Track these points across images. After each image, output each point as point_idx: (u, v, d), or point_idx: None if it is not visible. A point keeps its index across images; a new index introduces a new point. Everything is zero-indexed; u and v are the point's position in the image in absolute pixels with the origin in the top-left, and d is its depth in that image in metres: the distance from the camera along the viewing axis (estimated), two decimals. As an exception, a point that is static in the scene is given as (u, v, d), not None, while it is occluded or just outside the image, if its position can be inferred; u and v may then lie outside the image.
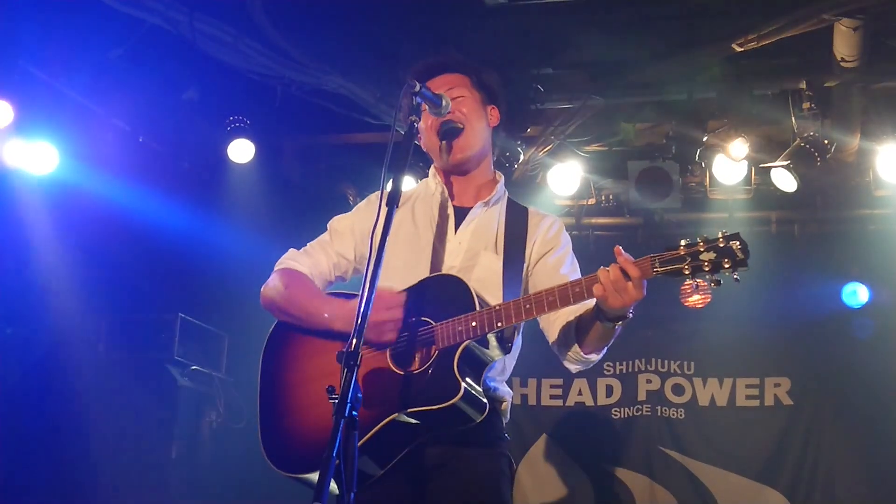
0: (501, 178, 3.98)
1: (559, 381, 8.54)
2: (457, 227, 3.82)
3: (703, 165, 7.69)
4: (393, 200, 3.27)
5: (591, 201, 8.38)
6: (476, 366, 3.47)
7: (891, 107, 7.14)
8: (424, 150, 3.91)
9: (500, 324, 3.38)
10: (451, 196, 3.89)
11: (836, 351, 8.05)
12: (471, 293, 3.44)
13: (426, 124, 3.79)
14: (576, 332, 3.56)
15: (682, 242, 3.23)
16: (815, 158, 7.06)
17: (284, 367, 3.71)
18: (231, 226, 7.86)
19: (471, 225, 3.81)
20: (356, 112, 7.20)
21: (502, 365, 3.68)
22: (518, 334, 3.68)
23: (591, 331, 3.50)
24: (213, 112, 7.46)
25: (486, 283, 3.63)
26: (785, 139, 7.33)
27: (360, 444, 3.07)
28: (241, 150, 7.50)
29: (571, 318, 3.59)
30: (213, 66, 6.76)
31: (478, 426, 3.46)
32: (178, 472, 7.50)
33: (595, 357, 3.61)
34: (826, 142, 7.05)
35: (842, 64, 6.58)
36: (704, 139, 7.27)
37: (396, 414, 3.37)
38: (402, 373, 3.45)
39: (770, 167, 7.31)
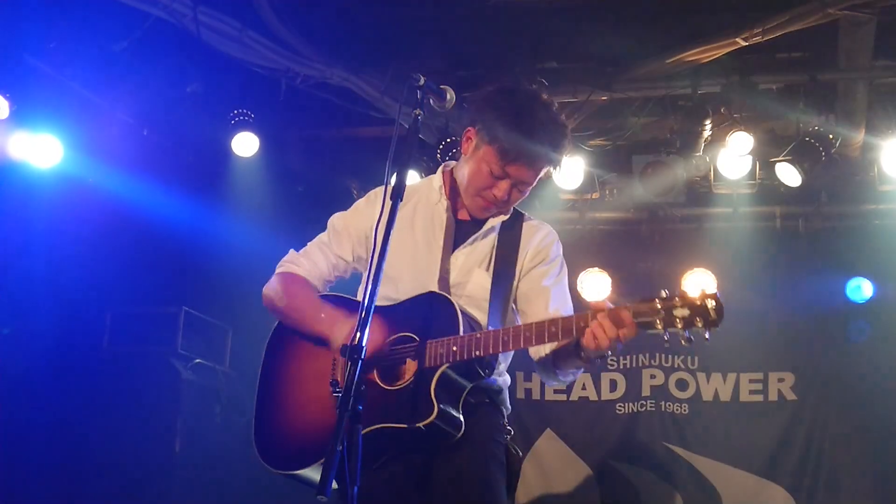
0: None
1: (563, 376, 8.55)
2: (455, 242, 3.85)
3: (708, 160, 7.68)
4: (397, 195, 3.29)
5: (596, 196, 8.37)
6: (454, 389, 3.52)
7: (896, 101, 7.14)
8: (467, 177, 3.81)
9: (477, 353, 3.44)
10: (454, 209, 3.92)
11: (840, 346, 8.05)
12: (457, 316, 3.51)
13: (486, 180, 3.73)
14: (554, 357, 3.65)
15: (662, 294, 3.25)
16: (820, 153, 7.05)
17: (281, 368, 3.83)
18: (235, 219, 7.86)
19: (468, 241, 3.84)
20: (360, 106, 7.21)
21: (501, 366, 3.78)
22: (501, 360, 3.76)
23: (569, 361, 3.60)
24: (217, 105, 7.46)
25: (476, 299, 3.73)
26: (789, 134, 7.32)
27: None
28: (246, 144, 7.49)
29: (554, 345, 3.64)
30: (218, 59, 6.77)
31: (473, 423, 3.54)
32: (182, 465, 7.50)
33: (571, 379, 3.74)
34: (831, 136, 7.05)
35: (847, 59, 6.58)
36: (709, 134, 7.26)
37: (376, 426, 3.41)
38: (385, 387, 3.51)
39: (775, 162, 7.30)
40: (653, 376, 8.44)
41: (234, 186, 7.90)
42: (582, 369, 3.68)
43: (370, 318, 3.05)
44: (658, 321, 3.21)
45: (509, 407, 3.86)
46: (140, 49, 6.80)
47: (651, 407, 8.38)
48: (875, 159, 7.46)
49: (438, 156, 7.27)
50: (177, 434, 7.56)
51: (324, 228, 4.08)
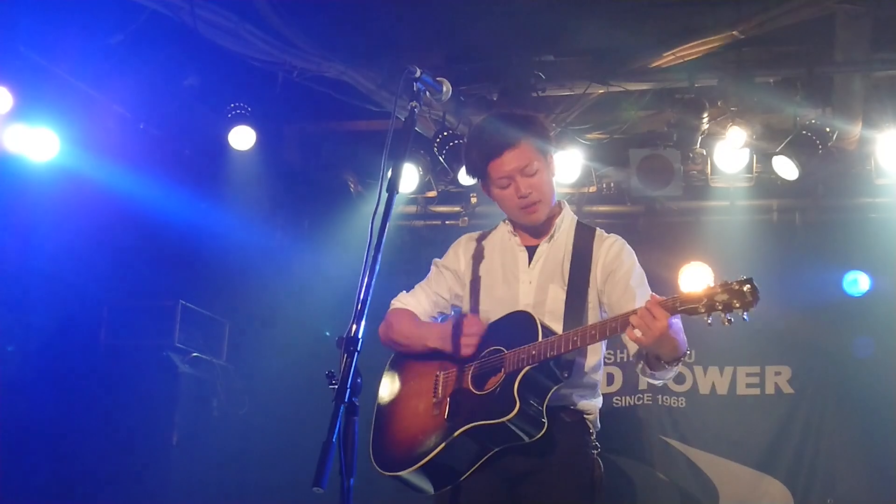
0: (563, 208, 4.34)
1: (560, 369, 8.54)
2: (529, 264, 4.20)
3: (705, 153, 7.69)
4: (393, 187, 3.35)
5: (593, 189, 8.38)
6: (537, 389, 3.87)
7: (892, 95, 7.13)
8: (501, 208, 4.29)
9: (552, 352, 3.80)
10: (522, 237, 4.27)
11: (837, 339, 8.04)
12: (536, 326, 3.89)
13: (507, 193, 4.13)
14: (644, 358, 4.02)
15: (705, 285, 3.62)
16: (817, 146, 7.04)
17: (392, 388, 4.27)
18: (232, 213, 7.86)
19: (538, 262, 4.19)
20: (357, 99, 7.21)
21: (590, 381, 4.23)
22: (583, 362, 4.12)
23: (652, 362, 3.98)
24: (214, 99, 7.46)
25: (556, 314, 4.06)
26: (786, 127, 7.31)
27: (440, 449, 3.87)
28: (242, 137, 7.49)
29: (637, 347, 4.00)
30: (215, 52, 6.76)
31: (560, 441, 4.00)
32: (179, 458, 7.51)
33: (656, 379, 4.13)
34: (827, 130, 7.03)
35: (844, 52, 6.57)
36: (706, 127, 7.26)
37: (467, 426, 3.85)
38: (476, 392, 3.94)
39: (772, 155, 7.30)
40: (650, 370, 8.43)
41: (231, 180, 7.91)
42: (671, 368, 3.97)
43: (366, 311, 3.08)
44: (701, 307, 3.55)
45: (598, 425, 4.38)
46: (136, 42, 6.79)
47: (648, 400, 8.39)
48: (872, 153, 7.46)
49: (435, 149, 7.27)
50: (174, 427, 7.58)
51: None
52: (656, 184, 7.70)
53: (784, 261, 8.09)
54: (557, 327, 3.98)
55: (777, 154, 7.22)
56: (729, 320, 3.54)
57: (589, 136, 7.75)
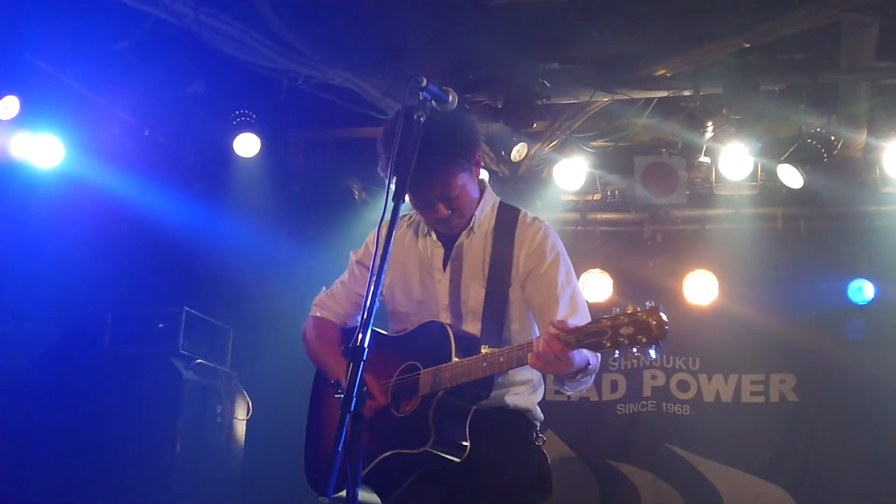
0: (484, 192, 3.98)
1: (564, 377, 8.52)
2: (445, 261, 3.93)
3: (709, 161, 7.68)
4: (399, 197, 3.32)
5: (597, 197, 8.37)
6: (455, 412, 3.65)
7: (899, 103, 7.13)
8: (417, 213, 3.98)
9: (464, 379, 3.56)
10: (437, 234, 4.00)
11: (842, 347, 8.04)
12: (450, 343, 3.64)
13: (425, 213, 3.86)
14: None
15: (612, 313, 3.20)
16: (822, 155, 7.03)
17: (321, 401, 4.08)
18: (236, 219, 7.86)
19: (457, 258, 3.92)
20: (362, 106, 7.20)
21: (522, 379, 3.87)
22: (495, 384, 3.75)
23: (556, 378, 3.64)
24: (218, 106, 7.46)
25: (476, 314, 3.83)
26: (791, 135, 7.30)
27: (366, 472, 3.59)
28: (247, 144, 7.50)
29: None
30: (219, 59, 6.76)
31: (500, 442, 3.74)
32: (183, 465, 7.50)
33: (578, 388, 3.70)
34: (833, 138, 7.03)
35: (849, 60, 6.57)
36: (711, 135, 7.26)
37: (388, 452, 3.66)
38: (396, 414, 3.72)
39: (777, 163, 7.29)
40: (654, 377, 8.44)
41: (236, 187, 7.91)
42: (582, 380, 3.62)
43: (372, 319, 3.06)
44: (606, 341, 3.14)
45: (541, 417, 3.99)
46: (141, 49, 6.80)
47: (652, 407, 8.38)
48: (877, 161, 7.46)
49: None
50: (178, 434, 7.55)
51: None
52: (661, 191, 7.70)
53: (789, 269, 8.10)
54: (476, 327, 3.76)
55: (782, 162, 7.21)
56: (636, 357, 3.14)
57: (593, 143, 7.75)
